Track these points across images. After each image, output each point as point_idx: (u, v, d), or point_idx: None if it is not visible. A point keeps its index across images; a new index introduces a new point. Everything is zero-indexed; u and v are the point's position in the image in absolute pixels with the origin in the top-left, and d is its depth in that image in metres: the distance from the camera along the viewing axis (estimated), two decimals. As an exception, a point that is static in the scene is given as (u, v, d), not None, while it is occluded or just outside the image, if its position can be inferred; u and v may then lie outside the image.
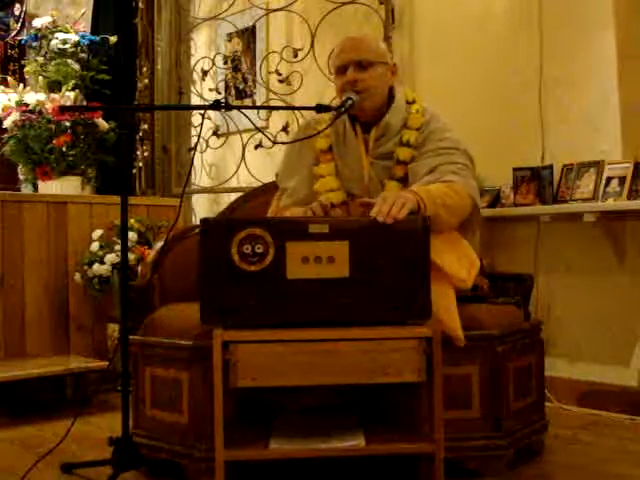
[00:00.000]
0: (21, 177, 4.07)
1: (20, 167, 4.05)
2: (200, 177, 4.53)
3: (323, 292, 1.88)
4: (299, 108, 3.44)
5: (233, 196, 3.70)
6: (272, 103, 4.21)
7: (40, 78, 4.09)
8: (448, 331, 2.04)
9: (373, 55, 2.34)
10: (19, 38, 4.71)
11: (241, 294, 1.88)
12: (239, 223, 1.90)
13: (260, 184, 3.19)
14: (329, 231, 1.89)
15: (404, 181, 2.31)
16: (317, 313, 1.89)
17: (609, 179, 2.96)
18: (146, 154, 4.45)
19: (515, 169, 3.24)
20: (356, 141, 2.37)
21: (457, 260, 2.08)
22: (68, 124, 3.87)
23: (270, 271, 1.87)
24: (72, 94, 3.96)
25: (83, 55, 4.22)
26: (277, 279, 1.87)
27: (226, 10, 4.33)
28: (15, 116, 3.85)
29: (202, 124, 2.40)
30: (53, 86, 4.08)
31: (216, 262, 1.88)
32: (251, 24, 4.54)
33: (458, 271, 2.06)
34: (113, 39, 4.34)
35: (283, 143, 2.72)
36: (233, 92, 4.72)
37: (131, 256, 3.34)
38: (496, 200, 3.35)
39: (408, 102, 2.40)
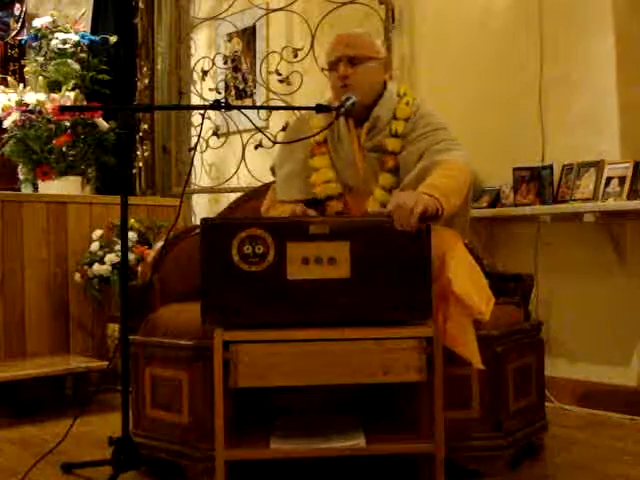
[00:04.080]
0: (21, 177, 4.07)
1: (20, 167, 4.05)
2: (200, 177, 4.53)
3: (323, 293, 1.87)
4: (299, 108, 3.42)
5: (233, 196, 3.70)
6: (272, 103, 4.21)
7: (40, 78, 4.10)
8: (466, 359, 2.05)
9: (365, 51, 2.36)
10: (19, 38, 4.72)
11: (241, 294, 1.88)
12: (239, 224, 1.89)
13: (260, 184, 3.19)
14: (329, 232, 1.89)
15: (396, 171, 2.31)
16: (317, 313, 1.89)
17: (609, 179, 2.96)
18: (146, 154, 4.45)
19: (515, 169, 3.24)
20: (349, 135, 2.38)
21: (477, 293, 2.08)
22: (68, 124, 3.87)
23: (270, 272, 1.87)
24: (72, 94, 3.97)
25: (83, 55, 4.22)
26: (277, 280, 1.87)
27: (226, 10, 4.33)
28: (15, 116, 3.86)
29: (202, 124, 2.40)
30: (53, 86, 4.08)
31: (217, 262, 1.87)
32: (251, 24, 4.54)
33: (479, 304, 2.05)
34: (113, 39, 4.34)
35: (283, 143, 2.72)
36: (233, 92, 4.72)
37: (131, 256, 3.34)
38: (496, 200, 3.35)
39: (399, 95, 2.41)
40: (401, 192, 2.10)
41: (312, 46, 3.87)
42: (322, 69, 2.57)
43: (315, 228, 1.89)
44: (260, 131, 2.78)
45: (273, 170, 2.59)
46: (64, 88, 4.01)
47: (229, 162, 4.55)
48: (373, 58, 2.37)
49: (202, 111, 2.27)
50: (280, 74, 4.12)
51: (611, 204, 2.91)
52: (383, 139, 2.35)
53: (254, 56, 4.61)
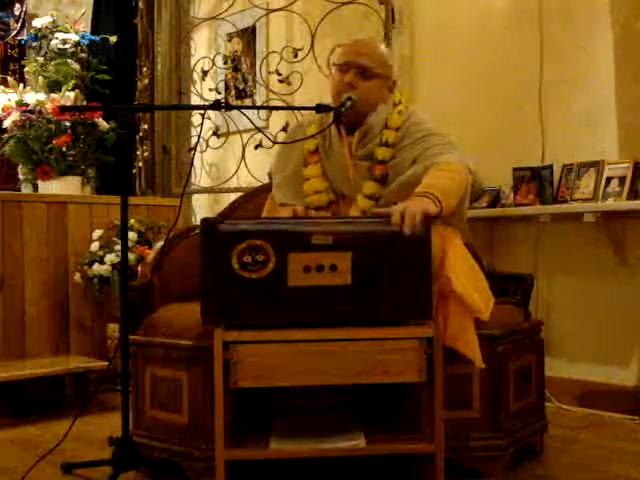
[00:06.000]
0: (21, 177, 4.07)
1: (20, 167, 4.05)
2: (200, 177, 4.53)
3: (324, 297, 1.87)
4: (299, 108, 3.43)
5: (233, 196, 3.70)
6: (272, 103, 4.21)
7: (40, 78, 4.09)
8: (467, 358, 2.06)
9: (378, 67, 2.34)
10: (19, 38, 4.72)
11: (242, 298, 1.87)
12: (239, 234, 1.87)
13: (260, 184, 3.19)
14: (333, 242, 1.87)
15: (383, 181, 2.30)
16: (318, 316, 1.88)
17: (609, 179, 2.96)
18: (146, 154, 4.45)
19: (515, 169, 3.24)
20: (340, 143, 2.37)
21: (477, 292, 2.08)
22: (68, 124, 3.87)
23: (271, 279, 1.86)
24: (72, 94, 3.96)
25: (83, 55, 4.22)
26: (278, 286, 1.86)
27: (226, 10, 4.33)
28: (15, 116, 3.85)
29: (202, 124, 2.40)
30: (53, 86, 4.07)
31: (217, 268, 1.87)
32: (251, 24, 4.54)
33: (478, 303, 2.05)
34: (113, 39, 4.34)
35: (282, 143, 2.72)
36: (233, 92, 4.72)
37: (131, 256, 3.34)
38: (496, 200, 3.35)
39: (394, 103, 2.40)
40: (406, 201, 2.03)
41: (312, 46, 3.87)
42: (329, 63, 2.54)
43: (318, 239, 1.87)
44: (260, 131, 2.78)
45: (270, 176, 2.60)
46: (64, 88, 4.01)
47: (229, 162, 4.56)
48: (381, 76, 2.36)
49: (202, 111, 2.27)
50: (280, 74, 4.12)
51: (611, 204, 2.91)
52: (374, 148, 2.33)
53: (254, 56, 4.61)
